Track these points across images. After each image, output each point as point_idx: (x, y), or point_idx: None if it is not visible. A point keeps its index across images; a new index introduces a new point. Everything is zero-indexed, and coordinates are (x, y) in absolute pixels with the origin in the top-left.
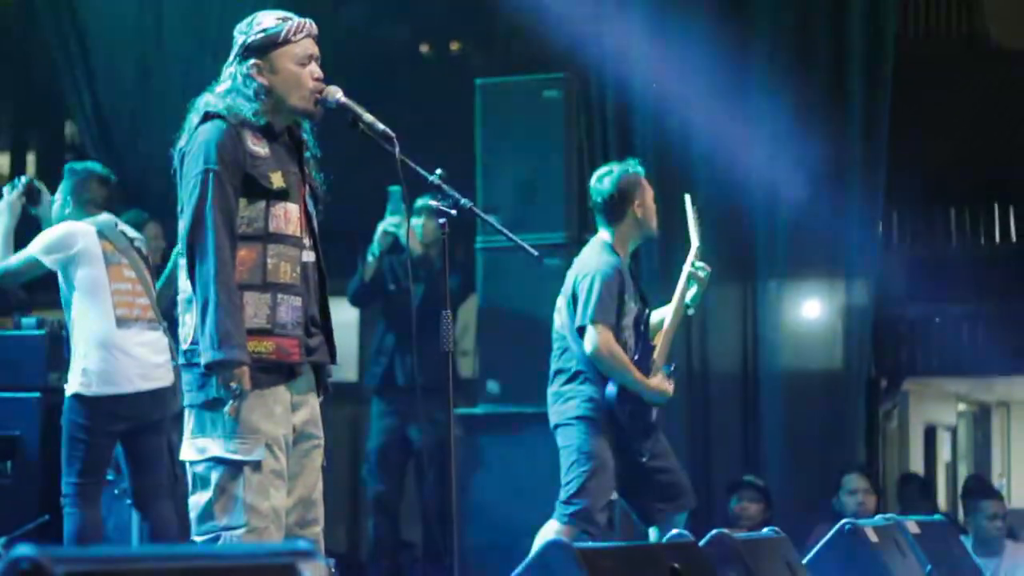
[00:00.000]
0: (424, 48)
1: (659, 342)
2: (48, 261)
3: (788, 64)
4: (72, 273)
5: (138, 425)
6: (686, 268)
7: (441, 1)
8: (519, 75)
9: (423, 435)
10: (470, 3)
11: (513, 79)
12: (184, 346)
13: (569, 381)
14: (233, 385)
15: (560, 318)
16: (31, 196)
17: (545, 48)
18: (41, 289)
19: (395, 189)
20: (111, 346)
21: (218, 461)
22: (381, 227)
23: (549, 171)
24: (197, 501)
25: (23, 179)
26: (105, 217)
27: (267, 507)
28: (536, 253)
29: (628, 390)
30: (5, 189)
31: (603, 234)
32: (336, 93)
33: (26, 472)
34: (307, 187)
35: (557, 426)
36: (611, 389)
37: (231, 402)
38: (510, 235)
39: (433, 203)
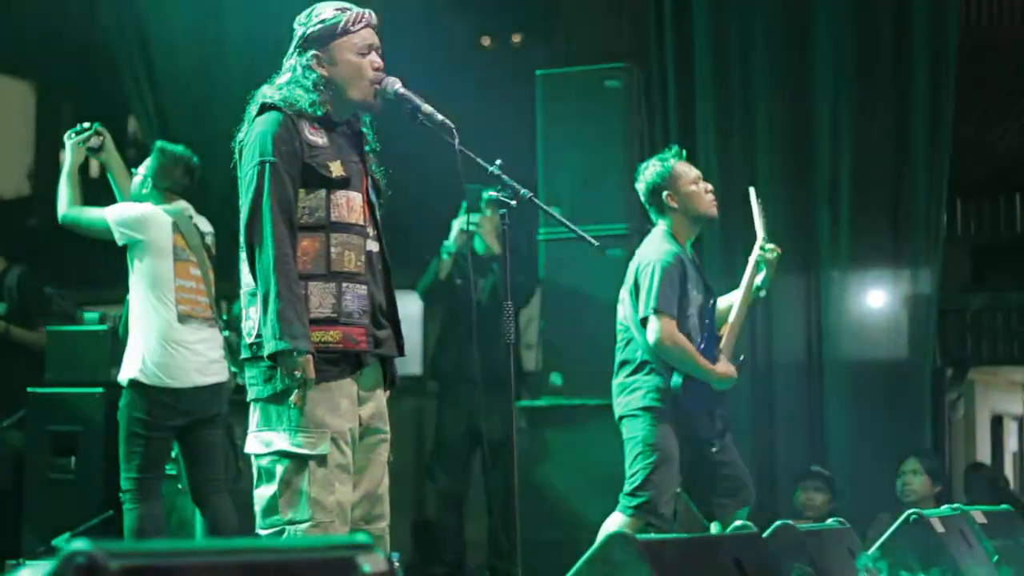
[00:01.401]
0: (485, 40)
1: (726, 332)
2: (116, 233)
3: (851, 52)
4: (138, 258)
5: (195, 420)
6: (753, 257)
7: None
8: (580, 66)
9: (488, 428)
10: None
11: (574, 69)
12: (249, 340)
13: (634, 372)
14: (297, 374)
15: (623, 309)
16: (93, 141)
17: (606, 38)
18: (102, 285)
19: (473, 187)
20: (171, 341)
21: (283, 455)
22: (457, 225)
23: (610, 161)
24: (262, 495)
25: (86, 124)
26: (182, 205)
27: (332, 501)
28: (598, 244)
29: (694, 379)
30: (67, 135)
31: (661, 224)
32: (395, 84)
33: (89, 467)
34: (368, 178)
35: (622, 417)
36: (676, 379)
37: (296, 391)
38: (572, 226)
39: (493, 194)
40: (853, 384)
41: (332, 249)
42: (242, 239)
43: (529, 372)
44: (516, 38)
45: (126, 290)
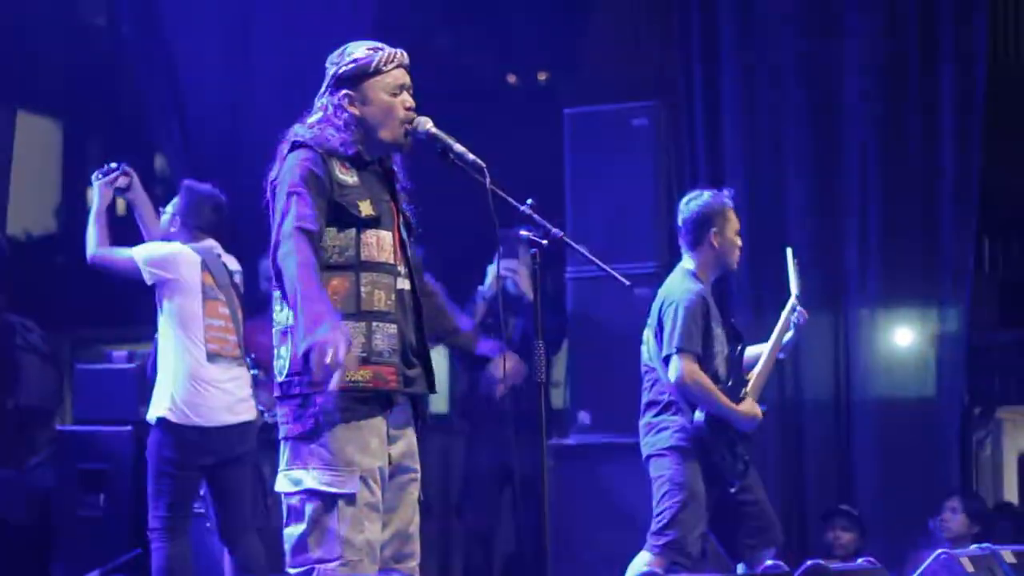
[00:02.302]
0: (511, 77)
1: (752, 378)
2: (145, 273)
3: (879, 88)
4: (166, 297)
5: (223, 459)
6: (784, 315)
7: (529, 31)
8: (607, 103)
9: (519, 466)
10: (558, 32)
11: (601, 108)
12: (280, 378)
13: (661, 412)
14: (328, 361)
15: (648, 349)
16: (121, 181)
17: (633, 75)
18: (129, 323)
19: (511, 232)
20: (200, 379)
21: (312, 493)
22: (492, 270)
23: (639, 200)
24: (291, 533)
25: (112, 164)
26: (210, 244)
27: (361, 540)
28: (627, 282)
29: (717, 417)
30: (95, 175)
31: (686, 261)
32: (426, 124)
33: (118, 505)
34: (399, 216)
35: (649, 457)
36: (699, 416)
37: (334, 378)
38: (601, 264)
39: (524, 234)
40: (881, 422)
41: (362, 288)
42: (271, 269)
43: (558, 410)
44: (542, 75)
45: (154, 328)
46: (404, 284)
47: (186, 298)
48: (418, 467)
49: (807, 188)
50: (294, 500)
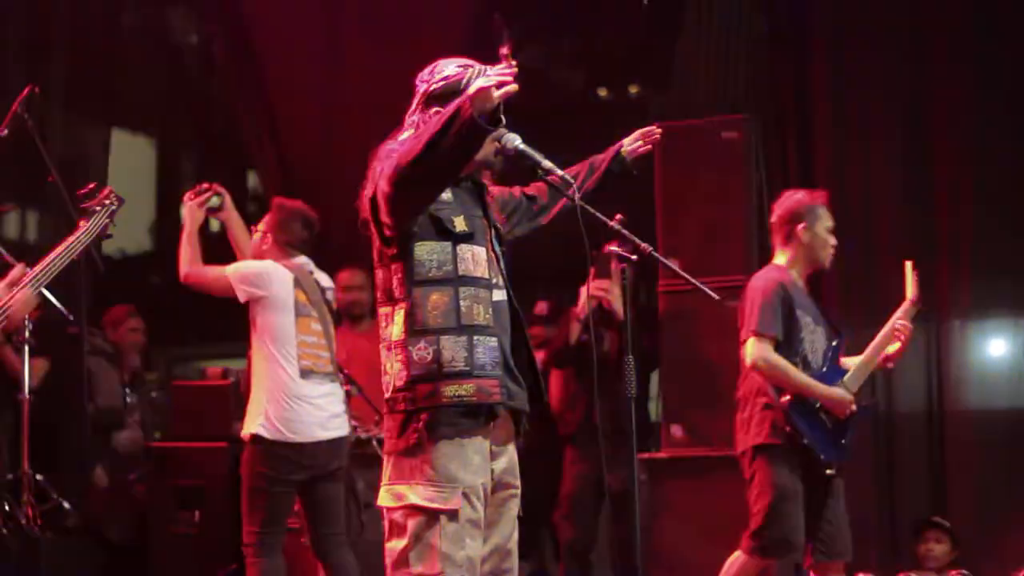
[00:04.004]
0: (602, 91)
1: (851, 370)
2: (238, 290)
3: (970, 95)
4: (259, 314)
5: (317, 474)
6: (895, 318)
7: (618, 44)
8: (697, 117)
9: (613, 480)
10: (647, 45)
11: (691, 122)
12: (386, 394)
13: (748, 407)
14: (494, 91)
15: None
16: (213, 201)
17: (723, 88)
18: (224, 340)
19: (602, 254)
20: (294, 396)
21: (414, 508)
22: (584, 292)
23: (729, 213)
24: (393, 548)
25: (204, 185)
26: (301, 261)
27: (462, 556)
28: (717, 296)
29: (804, 400)
30: (186, 196)
31: (777, 257)
32: (515, 140)
33: (214, 521)
34: (492, 230)
35: (742, 454)
36: (785, 398)
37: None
38: (691, 279)
39: (613, 249)
40: (974, 433)
41: (461, 303)
42: (379, 294)
43: (651, 423)
44: (633, 89)
45: (248, 345)
46: (500, 296)
47: (279, 315)
48: (519, 483)
49: (898, 200)
50: (396, 515)
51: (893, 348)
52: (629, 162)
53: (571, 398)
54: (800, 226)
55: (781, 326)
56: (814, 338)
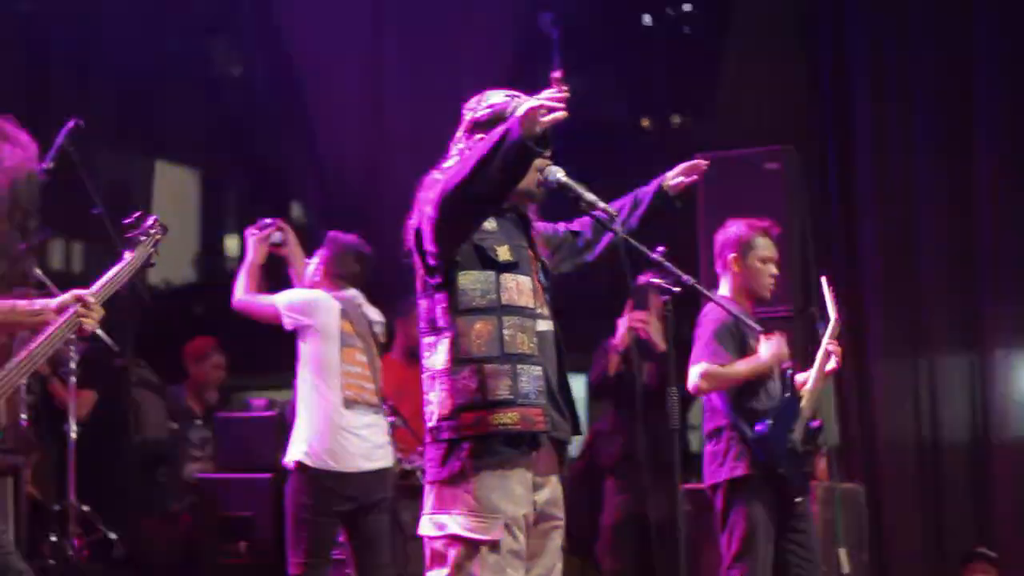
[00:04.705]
0: (645, 121)
1: (805, 396)
2: (285, 318)
3: (1011, 125)
4: (306, 342)
5: (361, 505)
6: (824, 342)
7: (661, 75)
8: (740, 148)
9: (655, 511)
10: (690, 77)
11: (734, 152)
12: (430, 423)
13: (717, 441)
14: (542, 114)
15: None
16: (276, 236)
17: (766, 119)
18: (269, 371)
19: (640, 285)
20: (337, 426)
21: (456, 539)
22: (623, 324)
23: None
24: None
25: (267, 220)
26: (351, 294)
27: None
28: (758, 328)
29: (775, 430)
30: (250, 231)
31: (721, 287)
32: (557, 172)
33: (259, 552)
34: (538, 262)
35: (712, 487)
36: (759, 428)
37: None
38: (733, 311)
39: (655, 281)
40: (1020, 463)
41: (505, 331)
42: (422, 324)
43: (694, 454)
44: (675, 119)
45: (293, 375)
46: (545, 326)
47: (324, 344)
48: (562, 515)
49: (939, 229)
50: (438, 545)
51: (830, 366)
52: (673, 196)
53: (610, 430)
54: (731, 256)
55: (725, 355)
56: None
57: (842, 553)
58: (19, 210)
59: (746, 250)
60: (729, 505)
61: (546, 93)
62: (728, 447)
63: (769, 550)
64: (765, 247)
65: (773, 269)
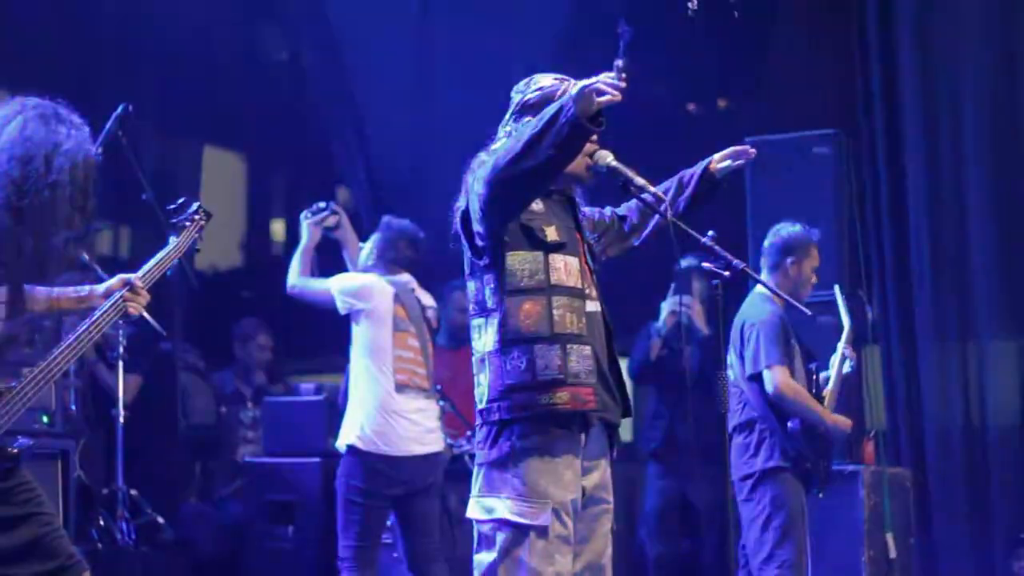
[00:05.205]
0: (691, 106)
1: (828, 395)
2: (339, 302)
3: None
4: (359, 326)
5: (412, 489)
6: (841, 347)
7: (709, 59)
8: (788, 132)
9: (699, 496)
10: (738, 60)
11: (782, 136)
12: (480, 405)
13: (751, 433)
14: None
15: (733, 372)
16: (330, 220)
17: (813, 103)
18: (317, 355)
19: (683, 268)
20: (389, 410)
21: (504, 523)
22: (667, 307)
23: (820, 229)
24: (481, 560)
25: (321, 204)
26: (405, 278)
27: (551, 573)
28: (808, 312)
29: (810, 426)
30: (304, 214)
31: (760, 286)
32: (607, 157)
33: (307, 536)
34: (584, 244)
35: (744, 478)
36: (793, 424)
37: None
38: (783, 295)
39: (706, 265)
40: None
41: (554, 311)
42: (471, 307)
43: None
44: (722, 103)
45: (343, 360)
46: (593, 307)
47: (377, 328)
48: (611, 499)
49: (989, 213)
50: (486, 528)
51: (846, 370)
52: (719, 179)
53: (652, 414)
54: (790, 260)
55: (787, 356)
56: (801, 367)
57: (889, 537)
58: (81, 193)
59: (804, 257)
60: (764, 496)
61: (604, 75)
62: (760, 439)
63: (807, 540)
64: (816, 258)
65: (814, 279)
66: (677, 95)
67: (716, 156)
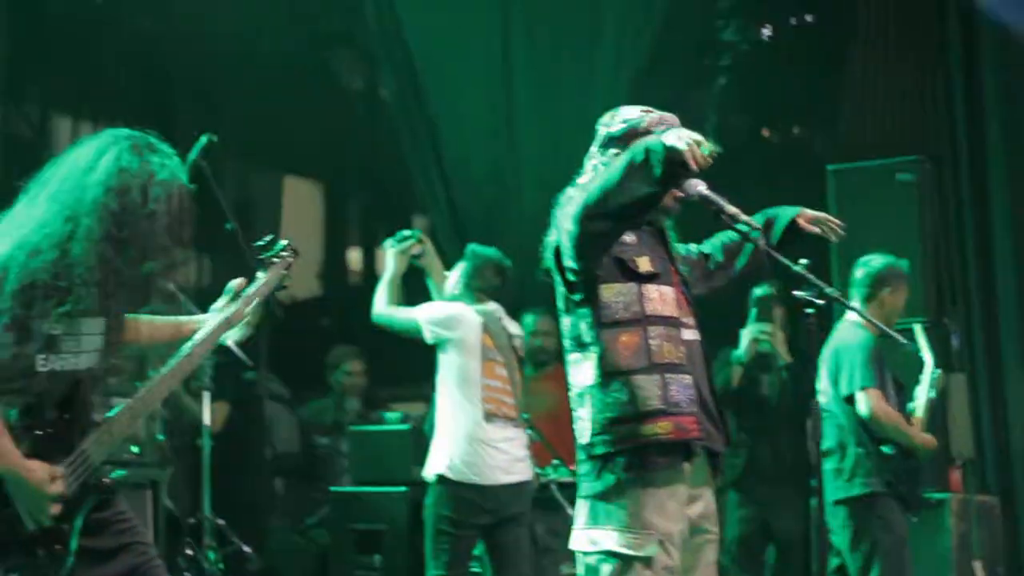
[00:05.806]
0: (766, 131)
1: (917, 422)
2: (426, 332)
3: None
4: (447, 356)
5: (500, 518)
6: (927, 383)
7: (783, 85)
8: (867, 160)
9: (781, 525)
10: (813, 87)
11: (865, 164)
12: (582, 440)
13: (841, 457)
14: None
15: (825, 396)
16: (415, 249)
17: (891, 130)
18: (402, 384)
19: (762, 295)
20: (478, 439)
21: (610, 554)
22: (748, 335)
23: (905, 255)
24: None
25: (406, 233)
26: (492, 307)
27: None
28: (903, 340)
29: (904, 451)
30: (389, 243)
31: (852, 315)
32: (698, 186)
33: (393, 564)
34: (678, 274)
35: (839, 503)
36: (887, 449)
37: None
38: (874, 321)
39: (798, 293)
40: None
41: (651, 342)
42: (567, 343)
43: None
44: (796, 130)
45: (431, 388)
46: (692, 336)
47: (465, 357)
48: (716, 529)
49: None
50: (591, 560)
51: (933, 395)
52: (804, 234)
53: (734, 441)
54: (886, 291)
55: (881, 381)
56: (890, 391)
57: (977, 566)
58: (177, 222)
59: (898, 289)
60: (864, 522)
61: (700, 141)
62: (857, 463)
63: (910, 560)
64: (907, 291)
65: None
66: (752, 121)
67: (807, 213)
